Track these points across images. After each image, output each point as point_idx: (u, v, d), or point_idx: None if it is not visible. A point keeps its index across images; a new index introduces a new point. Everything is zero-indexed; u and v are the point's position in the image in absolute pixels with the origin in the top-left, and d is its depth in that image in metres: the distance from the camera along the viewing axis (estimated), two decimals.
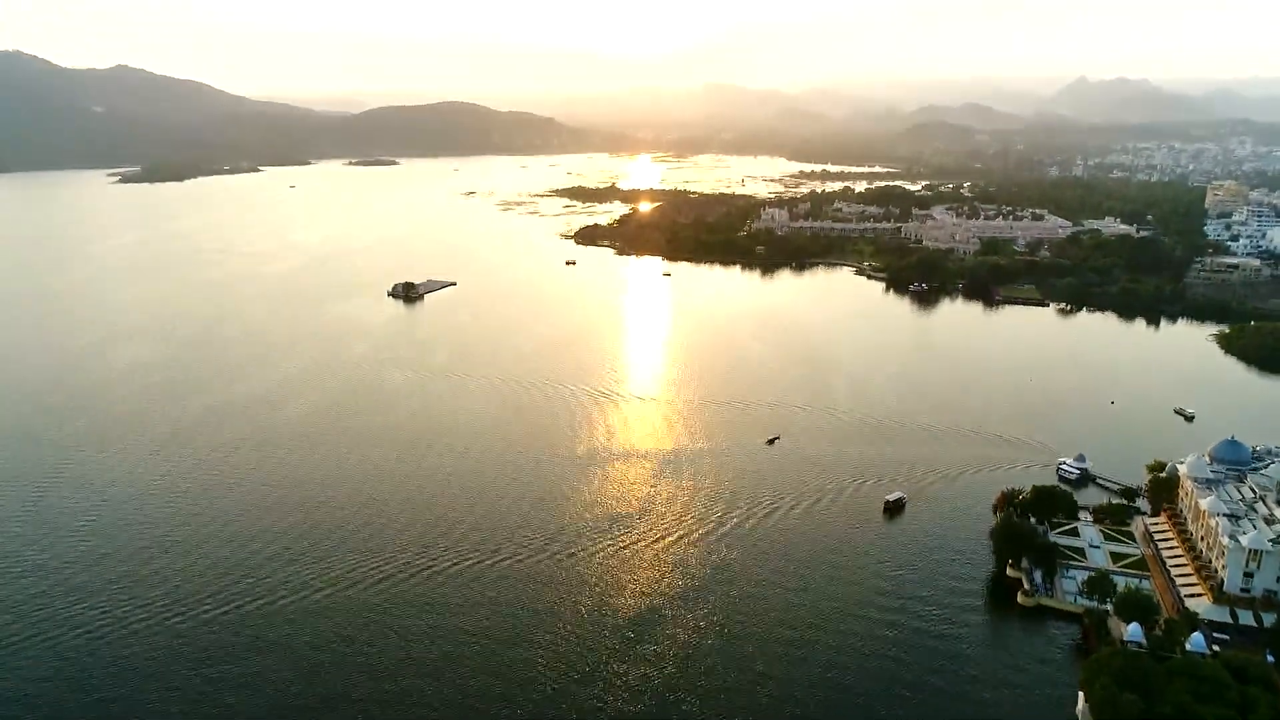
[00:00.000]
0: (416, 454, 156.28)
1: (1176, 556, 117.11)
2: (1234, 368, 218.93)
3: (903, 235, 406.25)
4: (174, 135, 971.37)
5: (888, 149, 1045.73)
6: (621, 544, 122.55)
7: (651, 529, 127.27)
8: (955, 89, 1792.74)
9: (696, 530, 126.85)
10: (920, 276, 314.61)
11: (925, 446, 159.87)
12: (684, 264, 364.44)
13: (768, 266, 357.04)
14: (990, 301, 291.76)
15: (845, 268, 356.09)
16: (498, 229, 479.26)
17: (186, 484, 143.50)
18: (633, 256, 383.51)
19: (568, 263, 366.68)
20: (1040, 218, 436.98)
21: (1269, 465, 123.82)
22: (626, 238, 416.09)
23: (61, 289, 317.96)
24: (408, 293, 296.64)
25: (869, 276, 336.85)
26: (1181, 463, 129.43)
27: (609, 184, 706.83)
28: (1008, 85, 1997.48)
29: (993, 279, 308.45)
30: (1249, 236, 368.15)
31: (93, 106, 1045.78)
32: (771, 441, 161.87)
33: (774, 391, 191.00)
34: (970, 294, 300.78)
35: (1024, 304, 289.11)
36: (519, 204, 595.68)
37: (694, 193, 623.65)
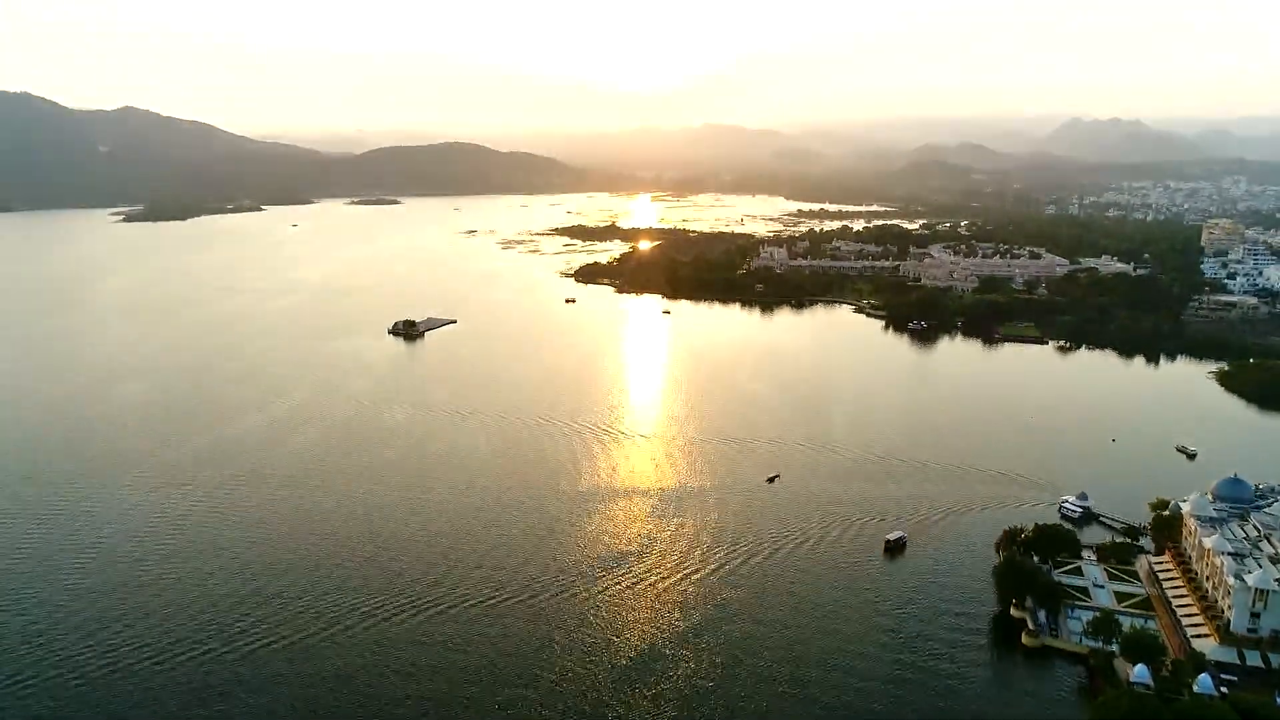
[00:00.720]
0: (417, 491, 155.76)
1: (1182, 596, 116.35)
2: (1234, 404, 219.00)
3: (901, 273, 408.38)
4: (178, 174, 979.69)
5: (886, 188, 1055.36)
6: (623, 583, 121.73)
7: (652, 567, 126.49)
8: (953, 128, 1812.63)
9: (697, 569, 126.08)
10: (919, 314, 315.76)
11: (927, 484, 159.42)
12: (684, 302, 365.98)
13: (767, 304, 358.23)
14: (990, 339, 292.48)
15: (844, 306, 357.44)
16: (499, 267, 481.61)
17: (185, 521, 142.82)
18: (632, 295, 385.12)
19: (567, 300, 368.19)
20: (1038, 256, 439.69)
21: (1272, 503, 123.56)
22: (626, 276, 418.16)
23: (62, 327, 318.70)
24: (408, 330, 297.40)
25: (868, 314, 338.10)
26: (1184, 501, 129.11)
27: (609, 223, 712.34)
28: (1004, 125, 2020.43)
29: (991, 316, 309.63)
30: (1246, 274, 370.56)
31: (98, 146, 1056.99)
32: (771, 479, 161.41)
33: (774, 429, 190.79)
34: (969, 332, 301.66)
35: (1023, 341, 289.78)
36: (520, 242, 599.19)
37: (693, 231, 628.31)
